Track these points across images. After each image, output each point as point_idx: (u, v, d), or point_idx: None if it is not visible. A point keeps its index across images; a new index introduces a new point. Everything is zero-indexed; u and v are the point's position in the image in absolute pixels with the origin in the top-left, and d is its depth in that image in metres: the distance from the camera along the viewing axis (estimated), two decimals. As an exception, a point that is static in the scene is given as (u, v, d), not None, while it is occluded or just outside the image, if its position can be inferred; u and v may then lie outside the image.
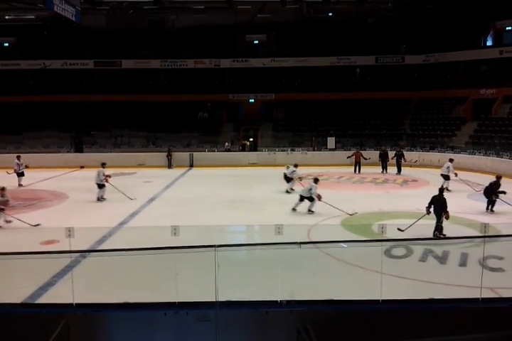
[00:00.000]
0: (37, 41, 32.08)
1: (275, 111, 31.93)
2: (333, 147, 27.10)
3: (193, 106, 31.42)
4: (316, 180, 13.50)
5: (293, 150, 27.03)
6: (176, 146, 28.14)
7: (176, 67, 32.33)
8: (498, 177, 13.14)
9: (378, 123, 29.25)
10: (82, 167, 25.10)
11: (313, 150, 27.15)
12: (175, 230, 5.37)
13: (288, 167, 17.07)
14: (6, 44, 34.01)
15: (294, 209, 13.26)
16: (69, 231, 5.15)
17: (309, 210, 13.21)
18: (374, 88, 30.87)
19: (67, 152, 27.49)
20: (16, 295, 6.68)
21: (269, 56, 32.30)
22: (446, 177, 16.15)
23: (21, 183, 18.58)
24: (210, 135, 29.53)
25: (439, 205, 10.50)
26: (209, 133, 29.70)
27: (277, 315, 4.99)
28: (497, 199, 12.95)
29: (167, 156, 25.28)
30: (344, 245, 7.26)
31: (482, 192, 13.62)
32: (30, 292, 6.93)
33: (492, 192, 12.89)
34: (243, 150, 27.66)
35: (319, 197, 12.98)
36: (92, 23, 29.70)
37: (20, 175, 18.61)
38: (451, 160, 16.66)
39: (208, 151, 27.41)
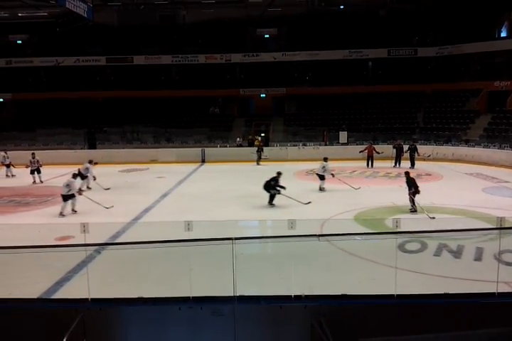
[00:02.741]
0: (49, 38, 32.35)
1: (286, 106, 31.84)
2: (346, 141, 26.94)
3: (205, 102, 31.46)
4: (74, 175, 13.24)
5: (305, 144, 26.94)
6: (188, 142, 28.26)
7: (186, 63, 32.36)
8: (278, 173, 13.57)
9: (391, 116, 29.01)
10: (95, 163, 25.26)
11: (325, 144, 27.01)
12: (188, 225, 5.38)
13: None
14: (19, 41, 34.36)
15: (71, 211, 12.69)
16: (84, 226, 5.19)
17: (61, 213, 12.41)
18: (386, 81, 30.58)
19: (81, 148, 27.70)
20: (32, 290, 6.78)
21: (280, 50, 32.15)
22: (322, 177, 15.79)
23: (35, 181, 18.65)
24: (222, 130, 29.56)
25: (414, 185, 12.39)
26: (220, 128, 29.72)
27: (291, 309, 4.99)
28: (278, 194, 13.28)
29: (257, 152, 24.28)
30: (358, 238, 7.21)
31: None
32: (46, 287, 7.02)
33: (270, 187, 13.27)
34: (251, 145, 27.56)
35: (79, 192, 12.95)
36: (103, 20, 29.89)
37: (33, 172, 18.65)
38: (325, 159, 16.26)
39: (219, 147, 27.44)
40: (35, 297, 6.25)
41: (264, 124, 30.33)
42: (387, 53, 31.18)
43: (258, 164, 23.81)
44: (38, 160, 19.00)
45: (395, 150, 22.17)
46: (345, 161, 23.44)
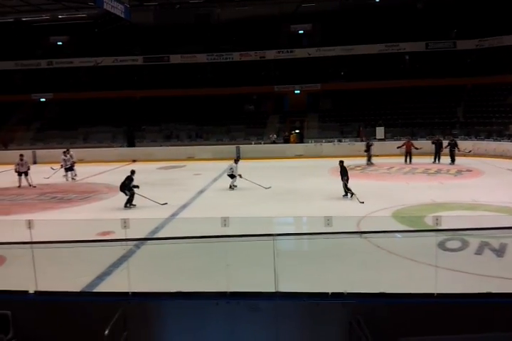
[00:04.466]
0: (89, 39, 33.25)
1: (321, 102, 31.59)
2: (383, 137, 26.49)
3: (239, 99, 31.61)
4: None
5: (340, 141, 26.65)
6: (223, 139, 28.49)
7: (221, 61, 32.56)
8: (132, 172, 13.53)
9: (430, 111, 28.29)
10: (134, 161, 25.93)
11: (361, 140, 26.64)
12: (225, 221, 5.42)
13: None
14: (60, 42, 35.49)
15: None
16: (124, 222, 5.32)
17: None
18: (424, 75, 29.86)
19: (120, 146, 28.43)
20: (75, 283, 7.00)
21: (315, 46, 31.87)
22: (232, 177, 15.94)
23: (74, 177, 19.09)
24: (256, 127, 29.63)
25: (346, 173, 13.72)
26: (255, 125, 29.80)
27: (328, 307, 4.95)
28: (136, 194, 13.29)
29: (365, 151, 21.66)
30: (399, 235, 7.08)
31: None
32: (88, 281, 7.25)
33: (125, 187, 13.24)
34: (286, 142, 27.55)
35: None
36: (140, 20, 30.41)
37: (68, 170, 19.06)
38: (236, 161, 16.45)
39: (254, 143, 27.51)
40: (78, 290, 6.46)
41: (299, 121, 30.20)
42: (424, 47, 30.37)
43: (371, 164, 21.45)
44: (69, 158, 19.03)
45: (434, 145, 21.62)
46: (383, 157, 23.06)
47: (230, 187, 15.90)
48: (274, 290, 4.98)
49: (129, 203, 13.26)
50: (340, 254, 6.92)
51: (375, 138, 26.54)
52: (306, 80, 31.72)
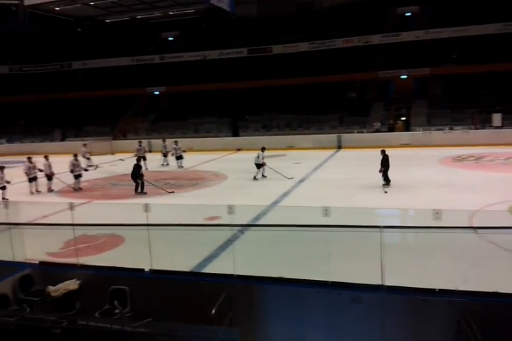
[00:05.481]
0: (196, 34, 34.78)
1: (430, 87, 29.78)
2: (500, 124, 24.31)
3: (341, 87, 31.00)
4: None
5: (451, 128, 24.97)
6: (324, 128, 28.21)
7: (324, 48, 32.10)
8: (138, 160, 14.59)
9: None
10: (238, 149, 26.86)
11: (476, 128, 24.71)
12: (326, 211, 5.42)
13: None
14: (171, 38, 37.62)
15: None
16: (230, 208, 5.57)
17: None
18: (552, 55, 26.67)
19: (226, 136, 29.58)
20: (185, 264, 7.50)
21: (423, 28, 30.02)
22: (258, 166, 16.04)
23: (182, 165, 20.41)
24: (359, 115, 28.86)
25: (385, 163, 13.62)
26: (358, 113, 29.04)
27: (435, 303, 4.74)
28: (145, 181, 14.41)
29: None
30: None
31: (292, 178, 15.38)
32: (197, 262, 7.72)
33: (136, 176, 14.11)
34: (391, 130, 26.44)
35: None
36: (243, 12, 31.09)
37: (178, 158, 20.40)
38: (263, 149, 16.32)
39: (356, 132, 26.86)
40: (188, 270, 6.91)
41: (405, 108, 28.81)
42: (552, 23, 27.10)
43: None
44: (144, 148, 20.63)
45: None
46: (500, 146, 21.23)
47: (254, 178, 16.02)
48: (379, 283, 4.88)
49: (141, 191, 14.46)
50: (450, 249, 6.54)
51: (491, 126, 24.46)
52: (414, 65, 30.06)
